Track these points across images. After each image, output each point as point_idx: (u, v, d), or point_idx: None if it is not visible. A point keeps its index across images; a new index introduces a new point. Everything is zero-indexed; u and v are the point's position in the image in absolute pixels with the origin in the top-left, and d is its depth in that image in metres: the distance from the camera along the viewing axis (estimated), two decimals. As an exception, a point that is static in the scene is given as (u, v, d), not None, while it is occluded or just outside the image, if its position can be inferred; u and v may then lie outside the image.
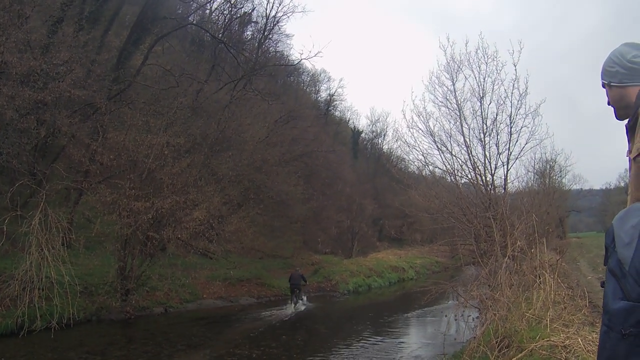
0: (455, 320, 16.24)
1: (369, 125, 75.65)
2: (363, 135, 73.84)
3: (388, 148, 71.63)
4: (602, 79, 2.49)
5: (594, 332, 7.80)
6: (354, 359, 15.26)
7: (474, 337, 11.35)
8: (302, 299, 25.46)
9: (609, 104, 2.49)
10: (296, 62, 42.77)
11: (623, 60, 2.36)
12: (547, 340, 7.56)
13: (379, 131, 74.46)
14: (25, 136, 18.22)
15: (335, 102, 71.07)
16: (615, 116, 2.46)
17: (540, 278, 11.08)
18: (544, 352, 7.18)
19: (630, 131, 2.27)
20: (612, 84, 2.41)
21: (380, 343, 17.47)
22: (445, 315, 17.39)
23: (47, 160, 20.92)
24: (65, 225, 16.12)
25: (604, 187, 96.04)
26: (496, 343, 9.07)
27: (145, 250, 19.13)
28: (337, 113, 73.12)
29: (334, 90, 70.51)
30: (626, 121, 2.33)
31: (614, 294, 1.94)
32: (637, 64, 2.33)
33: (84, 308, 16.53)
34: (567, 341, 7.21)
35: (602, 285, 2.21)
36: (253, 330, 18.87)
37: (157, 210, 18.25)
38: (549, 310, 9.28)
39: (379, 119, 74.97)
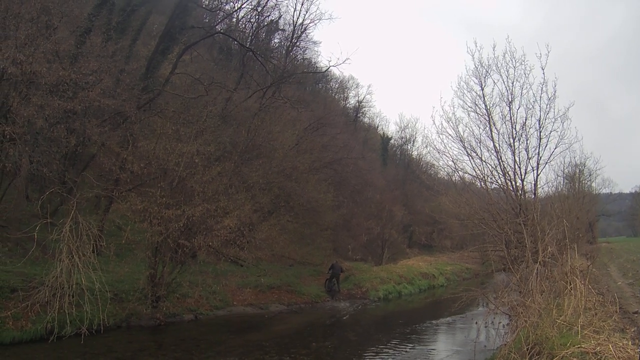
0: (486, 327, 16.14)
1: (398, 132, 75.48)
2: (392, 141, 73.61)
3: (417, 154, 71.49)
4: None
5: (624, 338, 7.69)
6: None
7: (505, 344, 11.22)
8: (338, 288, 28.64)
9: None
10: (324, 69, 42.93)
11: None
12: (578, 347, 7.46)
13: (408, 137, 74.31)
14: (55, 145, 18.50)
15: (364, 109, 71.29)
16: None
17: (571, 284, 10.92)
18: (575, 359, 7.06)
19: None
20: None
21: (410, 350, 17.38)
22: (476, 322, 17.28)
23: (77, 168, 21.22)
24: (96, 233, 16.30)
25: (633, 191, 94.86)
26: (527, 350, 8.98)
27: (176, 258, 19.22)
28: (366, 119, 73.32)
29: (362, 96, 70.69)
30: None
31: None
32: None
33: (114, 314, 16.69)
34: (598, 348, 7.11)
35: None
36: (283, 337, 18.90)
37: (188, 218, 18.33)
38: (580, 316, 9.15)
39: (407, 125, 74.70)
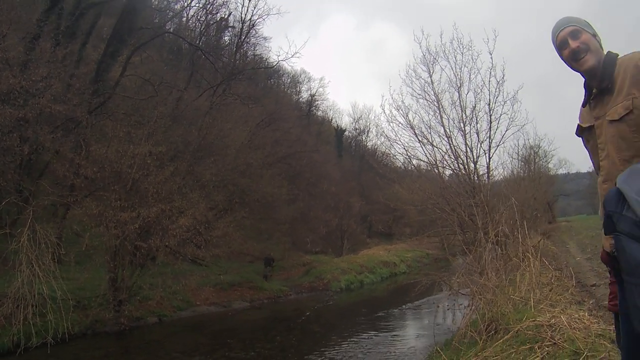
0: (448, 309, 16.50)
1: (352, 123, 75.68)
2: (347, 133, 73.93)
3: (372, 144, 71.69)
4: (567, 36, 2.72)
5: (581, 310, 7.99)
6: (349, 355, 15.45)
7: (462, 324, 11.54)
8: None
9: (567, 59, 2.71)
10: (274, 64, 42.97)
11: None
12: (533, 321, 7.70)
13: (362, 128, 74.62)
14: (9, 154, 18.24)
15: (317, 102, 71.17)
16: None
17: (525, 261, 11.28)
18: (529, 332, 7.31)
19: (600, 94, 2.44)
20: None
21: (374, 337, 17.66)
22: (438, 306, 17.61)
23: (32, 177, 20.86)
24: (54, 241, 16.13)
25: (590, 170, 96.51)
26: (484, 327, 9.24)
27: (135, 261, 19.14)
28: (319, 113, 73.21)
29: (314, 90, 70.59)
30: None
31: None
32: None
33: (78, 322, 16.43)
34: (553, 320, 7.36)
35: (613, 253, 2.32)
36: (247, 333, 19.02)
37: (144, 219, 18.27)
38: (534, 291, 9.47)
39: (361, 115, 74.93)
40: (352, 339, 17.48)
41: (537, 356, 6.51)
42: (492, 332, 9.00)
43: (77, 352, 15.04)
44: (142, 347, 16.44)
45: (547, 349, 6.57)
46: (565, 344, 6.28)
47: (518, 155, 26.28)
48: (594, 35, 2.67)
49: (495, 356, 7.30)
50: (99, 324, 17.47)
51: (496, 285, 10.85)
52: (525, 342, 7.12)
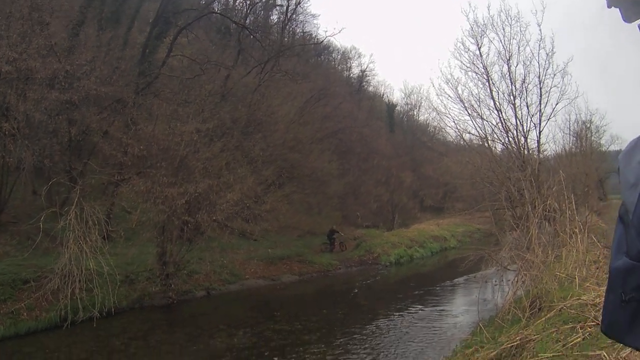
0: (496, 285, 16.27)
1: (404, 98, 75.01)
2: (398, 108, 73.16)
3: (425, 119, 70.87)
4: None
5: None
6: (393, 329, 15.40)
7: (507, 300, 11.33)
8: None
9: (609, 5, 2.12)
10: (321, 40, 42.78)
11: None
12: (577, 299, 7.48)
13: (413, 103, 73.84)
14: (57, 136, 18.59)
15: (367, 78, 70.52)
16: (623, 18, 2.09)
17: (572, 237, 10.97)
18: (573, 311, 7.09)
19: None
20: None
21: (420, 312, 17.64)
22: (486, 281, 17.38)
23: (82, 157, 21.20)
24: (102, 218, 16.45)
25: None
26: (528, 304, 9.03)
27: (183, 235, 19.35)
28: (370, 88, 72.55)
29: (365, 66, 69.98)
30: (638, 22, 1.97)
31: (618, 247, 1.50)
32: None
33: (126, 296, 16.85)
34: (598, 299, 7.12)
35: None
36: (294, 306, 19.19)
37: (191, 195, 18.40)
38: (580, 269, 9.19)
39: (412, 91, 74.40)
40: (398, 313, 17.49)
41: (579, 336, 6.29)
42: (536, 309, 8.80)
43: (124, 325, 15.49)
44: (189, 320, 16.76)
45: (589, 329, 6.35)
46: (609, 325, 6.00)
47: (569, 130, 25.51)
48: None
49: (537, 335, 7.10)
50: (147, 297, 17.81)
51: (542, 262, 10.61)
52: (567, 321, 6.90)
